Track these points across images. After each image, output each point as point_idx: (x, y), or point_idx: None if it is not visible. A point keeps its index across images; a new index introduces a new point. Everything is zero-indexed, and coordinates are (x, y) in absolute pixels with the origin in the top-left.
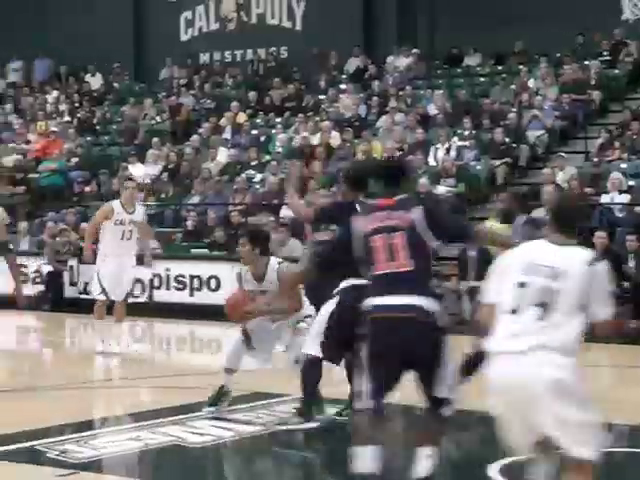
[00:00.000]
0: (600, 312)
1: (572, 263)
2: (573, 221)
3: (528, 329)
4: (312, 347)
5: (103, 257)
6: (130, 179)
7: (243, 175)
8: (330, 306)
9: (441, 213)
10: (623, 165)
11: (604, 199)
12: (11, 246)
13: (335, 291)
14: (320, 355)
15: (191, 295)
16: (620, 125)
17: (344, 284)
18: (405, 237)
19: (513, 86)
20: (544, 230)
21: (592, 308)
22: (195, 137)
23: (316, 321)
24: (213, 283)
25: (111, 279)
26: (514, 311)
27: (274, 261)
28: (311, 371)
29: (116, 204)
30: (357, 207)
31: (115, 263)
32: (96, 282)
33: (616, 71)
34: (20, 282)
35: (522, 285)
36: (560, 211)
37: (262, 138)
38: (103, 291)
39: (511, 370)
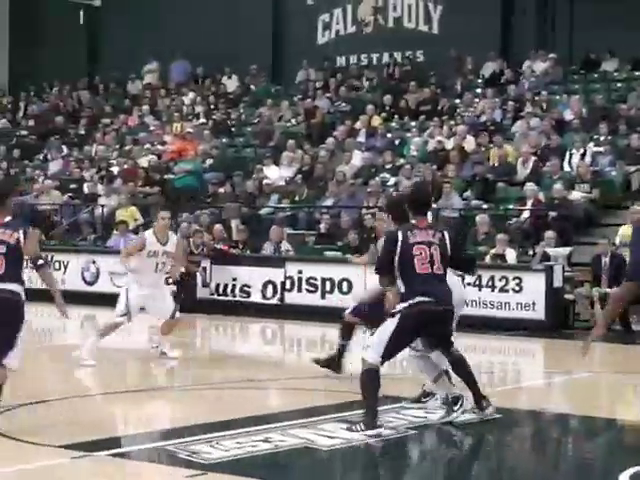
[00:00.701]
0: None
1: None
2: None
3: None
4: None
5: (135, 284)
6: (163, 211)
7: (377, 178)
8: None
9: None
10: None
11: None
12: (41, 262)
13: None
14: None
15: (322, 298)
16: None
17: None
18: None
19: None
20: None
21: None
22: (330, 140)
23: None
24: (345, 286)
25: (141, 301)
26: None
27: None
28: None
29: (149, 234)
30: None
31: (148, 291)
32: (123, 303)
33: None
34: (57, 293)
35: None
36: None
37: (397, 141)
38: (127, 314)
39: None
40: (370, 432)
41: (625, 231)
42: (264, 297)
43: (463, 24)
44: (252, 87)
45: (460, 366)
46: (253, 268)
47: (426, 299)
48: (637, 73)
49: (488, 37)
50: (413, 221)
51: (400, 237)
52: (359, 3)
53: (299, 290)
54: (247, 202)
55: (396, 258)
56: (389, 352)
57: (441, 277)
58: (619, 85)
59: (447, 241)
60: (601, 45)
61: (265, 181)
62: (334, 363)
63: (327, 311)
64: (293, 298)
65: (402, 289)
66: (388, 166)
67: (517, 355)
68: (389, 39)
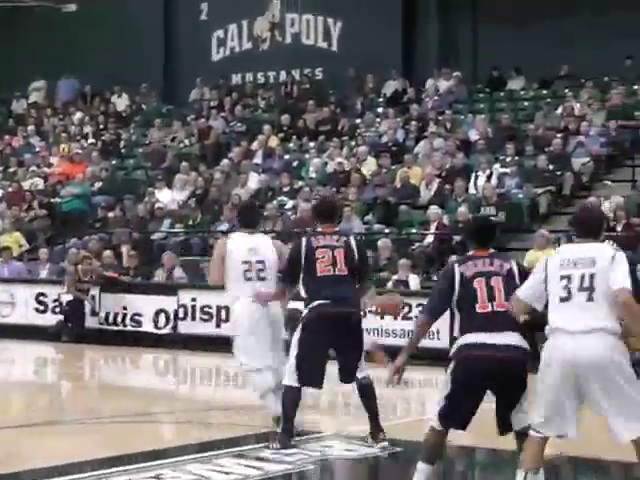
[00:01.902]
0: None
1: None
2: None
3: None
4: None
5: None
6: None
7: (274, 202)
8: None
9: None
10: None
11: None
12: None
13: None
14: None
15: (217, 327)
16: None
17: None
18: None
19: (558, 111)
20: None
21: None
22: (225, 162)
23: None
24: None
25: None
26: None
27: None
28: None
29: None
30: None
31: None
32: None
33: None
34: None
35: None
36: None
37: (295, 163)
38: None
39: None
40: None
41: (532, 256)
42: (156, 326)
43: (364, 41)
44: (143, 106)
45: (367, 395)
46: (144, 296)
47: (326, 302)
48: (544, 92)
49: (390, 55)
50: (319, 229)
51: (304, 243)
52: (255, 19)
53: (193, 319)
54: (138, 227)
55: (302, 263)
56: (303, 369)
57: (344, 278)
58: (526, 104)
59: (353, 245)
60: (507, 63)
61: (157, 205)
62: None
63: (222, 341)
64: (187, 327)
65: (304, 294)
66: (286, 189)
67: (422, 386)
68: (287, 56)
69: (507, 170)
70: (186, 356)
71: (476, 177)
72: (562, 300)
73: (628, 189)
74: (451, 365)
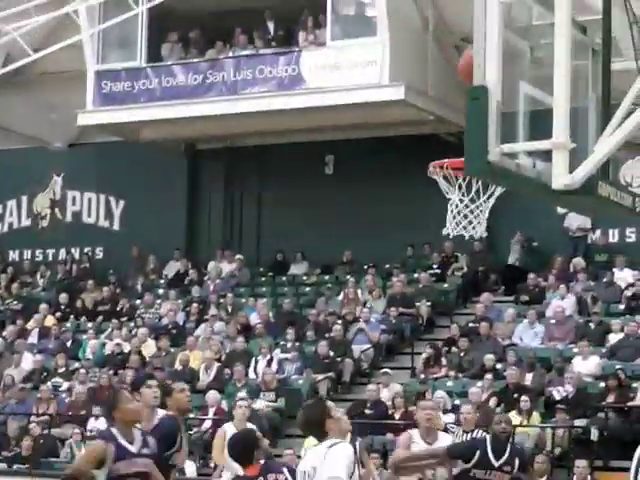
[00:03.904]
0: None
1: None
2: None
3: None
4: None
5: None
6: None
7: (49, 383)
8: None
9: None
10: (449, 383)
11: None
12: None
13: None
14: None
15: None
16: (448, 341)
17: None
18: None
19: (340, 297)
20: None
21: None
22: None
23: None
24: None
25: None
26: None
27: None
28: None
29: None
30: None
31: None
32: None
33: (445, 285)
34: None
35: None
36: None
37: (70, 343)
38: None
39: None
40: None
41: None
42: None
43: (146, 221)
44: None
45: None
46: None
47: None
48: (326, 277)
49: (172, 235)
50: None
51: None
52: (35, 195)
53: None
54: None
55: None
56: None
57: None
58: (308, 289)
59: None
60: (291, 247)
61: None
62: None
63: None
64: None
65: None
66: (61, 370)
67: None
68: (67, 234)
69: (288, 355)
70: None
71: (256, 362)
72: None
73: (407, 376)
74: None
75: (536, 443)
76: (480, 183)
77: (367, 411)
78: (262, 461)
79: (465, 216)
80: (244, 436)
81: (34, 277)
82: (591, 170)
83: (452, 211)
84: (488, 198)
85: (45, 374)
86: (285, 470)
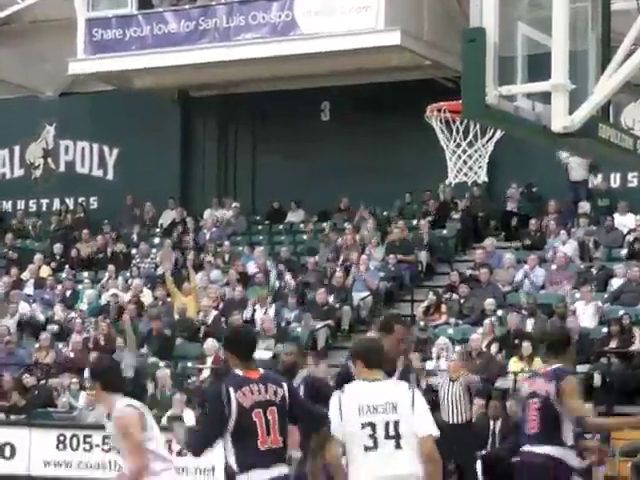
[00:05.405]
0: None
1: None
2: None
3: None
4: None
5: None
6: None
7: (46, 333)
8: None
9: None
10: (450, 330)
11: (429, 366)
12: None
13: None
14: None
15: None
16: (448, 288)
17: None
18: None
19: (338, 242)
20: None
21: None
22: None
23: None
24: (7, 451)
25: None
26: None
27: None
28: None
29: None
30: None
31: None
32: None
33: (444, 232)
34: None
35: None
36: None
37: (68, 293)
38: None
39: None
40: None
41: None
42: None
43: (140, 170)
44: None
45: None
46: None
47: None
48: (324, 224)
49: (167, 184)
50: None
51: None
52: (28, 145)
53: None
54: None
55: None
56: None
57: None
58: (305, 237)
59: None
60: (287, 195)
61: None
62: None
63: None
64: None
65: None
66: (58, 318)
67: None
68: (60, 184)
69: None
70: None
71: (254, 310)
72: (367, 449)
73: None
74: None
75: None
76: (478, 127)
77: None
78: (261, 370)
79: (465, 162)
80: (246, 330)
81: (28, 227)
82: (591, 112)
83: (451, 159)
84: (487, 142)
85: (44, 324)
86: (285, 385)
